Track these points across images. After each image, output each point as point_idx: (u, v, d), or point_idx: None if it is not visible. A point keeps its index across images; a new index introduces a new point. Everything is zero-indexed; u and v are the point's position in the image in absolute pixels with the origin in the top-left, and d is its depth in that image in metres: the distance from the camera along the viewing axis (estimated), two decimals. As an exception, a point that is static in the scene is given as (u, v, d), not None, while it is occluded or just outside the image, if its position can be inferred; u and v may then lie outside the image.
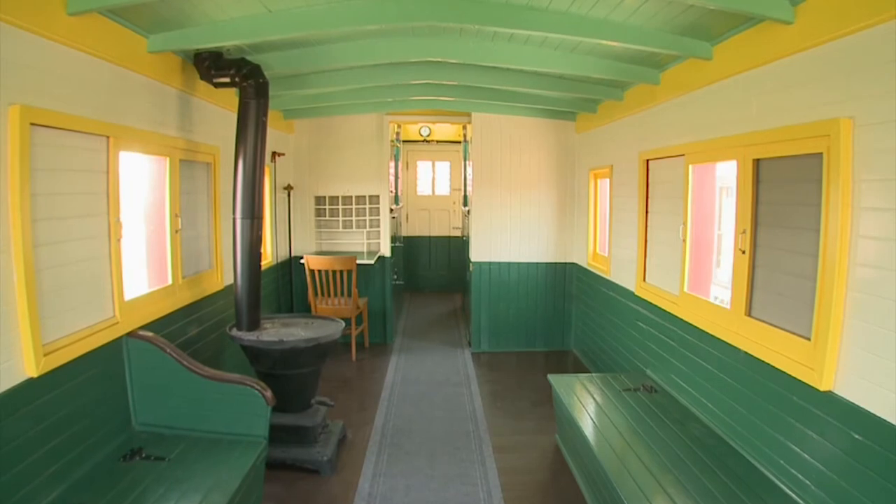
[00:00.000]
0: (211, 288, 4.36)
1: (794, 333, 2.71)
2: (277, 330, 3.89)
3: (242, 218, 3.71)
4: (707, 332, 3.47)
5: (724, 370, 3.30)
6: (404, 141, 9.42)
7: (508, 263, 6.57)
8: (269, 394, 3.18)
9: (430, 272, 10.20)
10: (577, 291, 6.53)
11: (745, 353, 3.06)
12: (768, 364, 2.84)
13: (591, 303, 6.00)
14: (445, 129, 9.54)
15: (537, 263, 6.60)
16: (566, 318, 6.71)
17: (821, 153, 2.49)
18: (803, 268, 2.67)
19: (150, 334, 3.28)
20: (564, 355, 6.61)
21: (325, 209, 6.91)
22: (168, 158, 3.68)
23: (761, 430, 2.90)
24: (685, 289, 3.80)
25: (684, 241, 3.78)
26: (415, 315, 8.53)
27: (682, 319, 3.81)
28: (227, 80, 3.72)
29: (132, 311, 3.26)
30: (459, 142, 9.43)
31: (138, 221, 3.70)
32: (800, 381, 2.60)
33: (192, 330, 3.96)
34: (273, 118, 5.91)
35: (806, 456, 2.57)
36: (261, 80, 3.70)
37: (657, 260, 4.30)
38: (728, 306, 3.29)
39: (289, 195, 6.59)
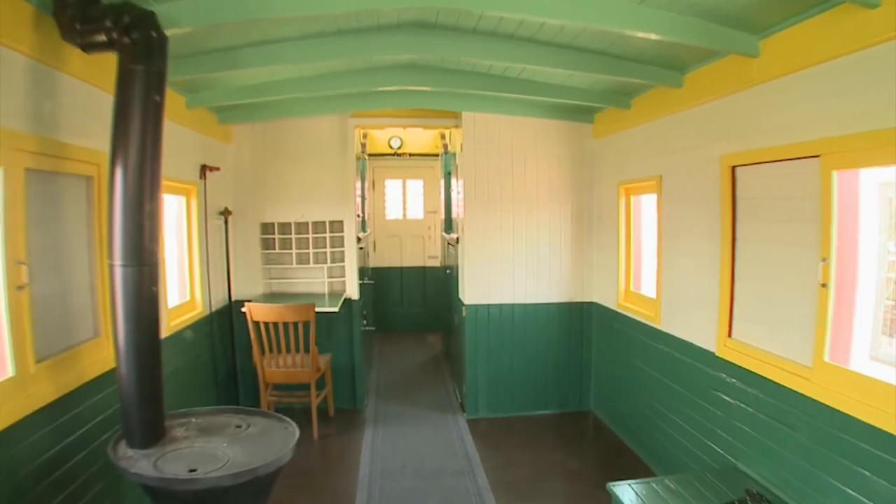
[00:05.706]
0: (96, 368, 2.83)
1: None
2: (192, 444, 2.38)
3: (124, 265, 2.20)
4: (874, 426, 2.20)
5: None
6: (370, 154, 7.97)
7: (511, 305, 5.16)
8: None
9: (402, 309, 8.64)
10: (600, 339, 5.19)
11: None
12: None
13: (624, 355, 4.64)
14: (420, 140, 8.07)
15: (547, 304, 5.20)
16: (584, 371, 5.33)
17: None
18: None
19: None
20: (583, 418, 5.24)
21: (273, 240, 5.36)
22: (1, 168, 2.19)
23: None
24: (826, 357, 2.50)
25: (824, 285, 2.49)
26: (389, 365, 6.99)
27: (816, 401, 2.52)
28: (101, 37, 2.27)
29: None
30: (436, 155, 7.97)
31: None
32: None
33: None
34: (204, 120, 4.43)
35: None
36: (153, 35, 2.24)
37: (759, 309, 3.00)
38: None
39: (226, 222, 5.04)
